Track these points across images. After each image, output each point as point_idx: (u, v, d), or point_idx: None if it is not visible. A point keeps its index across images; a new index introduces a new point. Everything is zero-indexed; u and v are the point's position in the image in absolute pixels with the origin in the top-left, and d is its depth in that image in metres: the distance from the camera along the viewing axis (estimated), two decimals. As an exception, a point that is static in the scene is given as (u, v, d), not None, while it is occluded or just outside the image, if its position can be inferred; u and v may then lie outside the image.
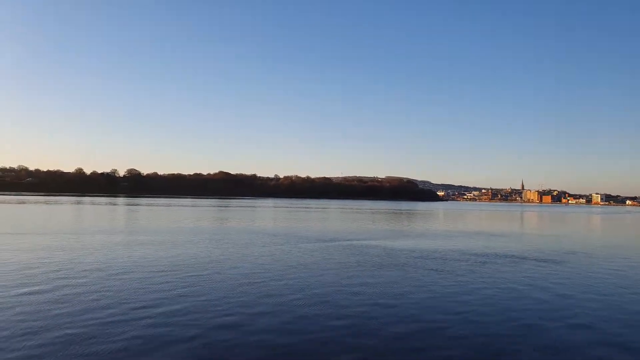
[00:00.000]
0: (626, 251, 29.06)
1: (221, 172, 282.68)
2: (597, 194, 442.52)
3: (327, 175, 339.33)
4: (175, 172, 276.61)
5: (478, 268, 19.76)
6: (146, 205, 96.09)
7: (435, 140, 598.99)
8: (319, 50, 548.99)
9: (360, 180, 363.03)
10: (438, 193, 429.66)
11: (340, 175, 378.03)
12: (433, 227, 48.18)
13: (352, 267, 19.06)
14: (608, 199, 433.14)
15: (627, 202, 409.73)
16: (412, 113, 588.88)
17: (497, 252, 25.85)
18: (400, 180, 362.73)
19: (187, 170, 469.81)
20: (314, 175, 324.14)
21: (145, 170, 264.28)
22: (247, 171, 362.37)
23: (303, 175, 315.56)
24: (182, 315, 11.11)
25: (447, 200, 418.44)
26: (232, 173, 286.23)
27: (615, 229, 57.48)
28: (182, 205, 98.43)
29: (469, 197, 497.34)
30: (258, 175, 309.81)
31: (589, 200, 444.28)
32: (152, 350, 8.79)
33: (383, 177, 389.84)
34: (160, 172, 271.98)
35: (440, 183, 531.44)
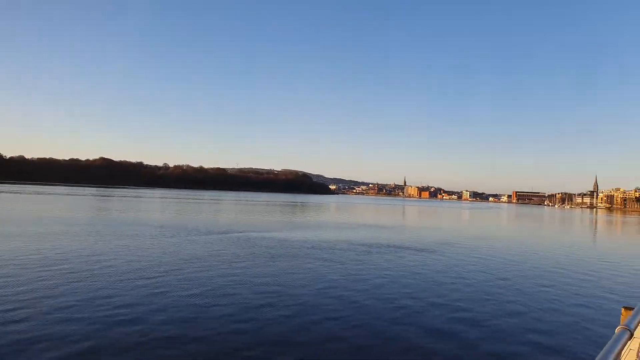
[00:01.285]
0: (488, 241, 33.96)
1: (102, 159, 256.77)
2: (466, 191, 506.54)
3: (221, 166, 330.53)
4: (48, 157, 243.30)
5: (364, 257, 21.44)
6: (7, 192, 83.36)
7: (329, 136, 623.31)
8: (210, 34, 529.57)
9: (256, 172, 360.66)
10: (330, 187, 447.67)
11: (236, 167, 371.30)
12: (325, 219, 50.39)
13: (246, 259, 19.23)
14: (475, 195, 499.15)
15: (490, 198, 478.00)
16: (310, 109, 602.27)
17: (381, 243, 28.19)
18: (296, 173, 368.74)
19: (63, 155, 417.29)
20: (207, 165, 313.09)
21: (8, 153, 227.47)
22: (133, 158, 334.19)
23: (196, 164, 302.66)
24: (59, 314, 10.25)
25: (338, 193, 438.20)
26: (114, 160, 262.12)
27: (480, 222, 66.42)
28: (55, 194, 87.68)
29: (357, 190, 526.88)
30: (145, 163, 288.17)
31: (459, 196, 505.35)
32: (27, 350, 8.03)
33: (279, 170, 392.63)
34: (28, 156, 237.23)
35: (332, 177, 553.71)
